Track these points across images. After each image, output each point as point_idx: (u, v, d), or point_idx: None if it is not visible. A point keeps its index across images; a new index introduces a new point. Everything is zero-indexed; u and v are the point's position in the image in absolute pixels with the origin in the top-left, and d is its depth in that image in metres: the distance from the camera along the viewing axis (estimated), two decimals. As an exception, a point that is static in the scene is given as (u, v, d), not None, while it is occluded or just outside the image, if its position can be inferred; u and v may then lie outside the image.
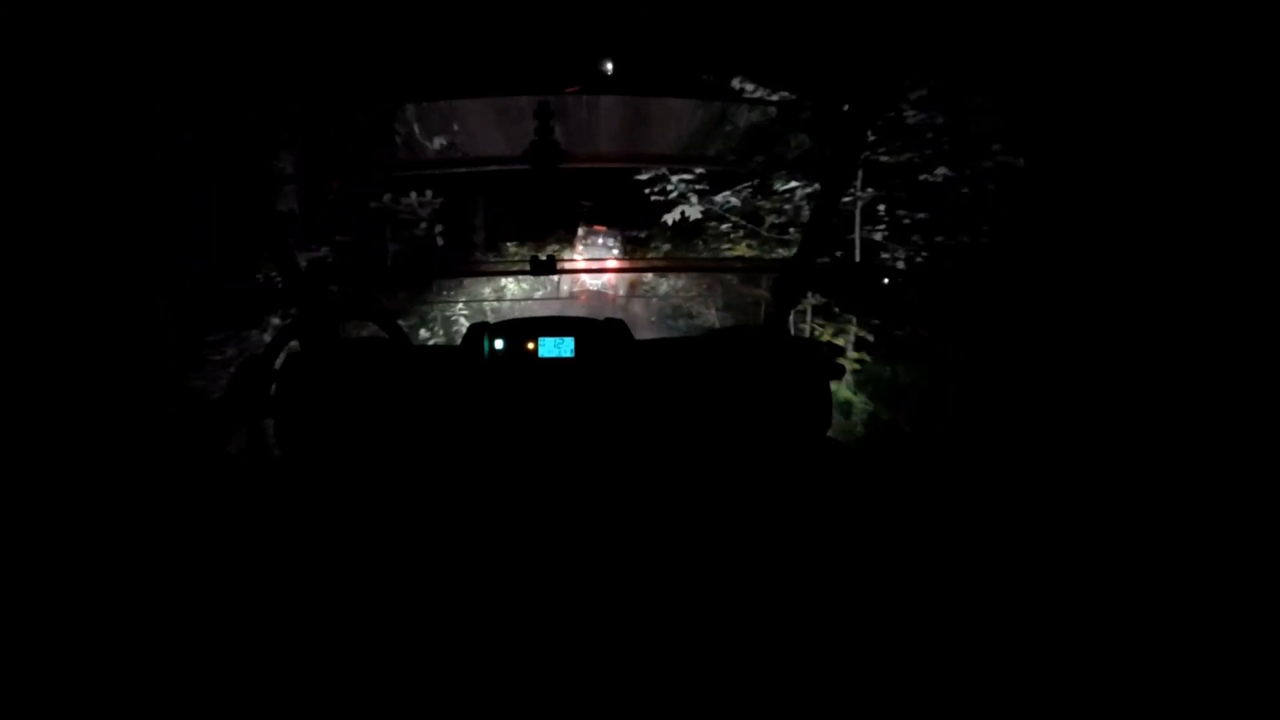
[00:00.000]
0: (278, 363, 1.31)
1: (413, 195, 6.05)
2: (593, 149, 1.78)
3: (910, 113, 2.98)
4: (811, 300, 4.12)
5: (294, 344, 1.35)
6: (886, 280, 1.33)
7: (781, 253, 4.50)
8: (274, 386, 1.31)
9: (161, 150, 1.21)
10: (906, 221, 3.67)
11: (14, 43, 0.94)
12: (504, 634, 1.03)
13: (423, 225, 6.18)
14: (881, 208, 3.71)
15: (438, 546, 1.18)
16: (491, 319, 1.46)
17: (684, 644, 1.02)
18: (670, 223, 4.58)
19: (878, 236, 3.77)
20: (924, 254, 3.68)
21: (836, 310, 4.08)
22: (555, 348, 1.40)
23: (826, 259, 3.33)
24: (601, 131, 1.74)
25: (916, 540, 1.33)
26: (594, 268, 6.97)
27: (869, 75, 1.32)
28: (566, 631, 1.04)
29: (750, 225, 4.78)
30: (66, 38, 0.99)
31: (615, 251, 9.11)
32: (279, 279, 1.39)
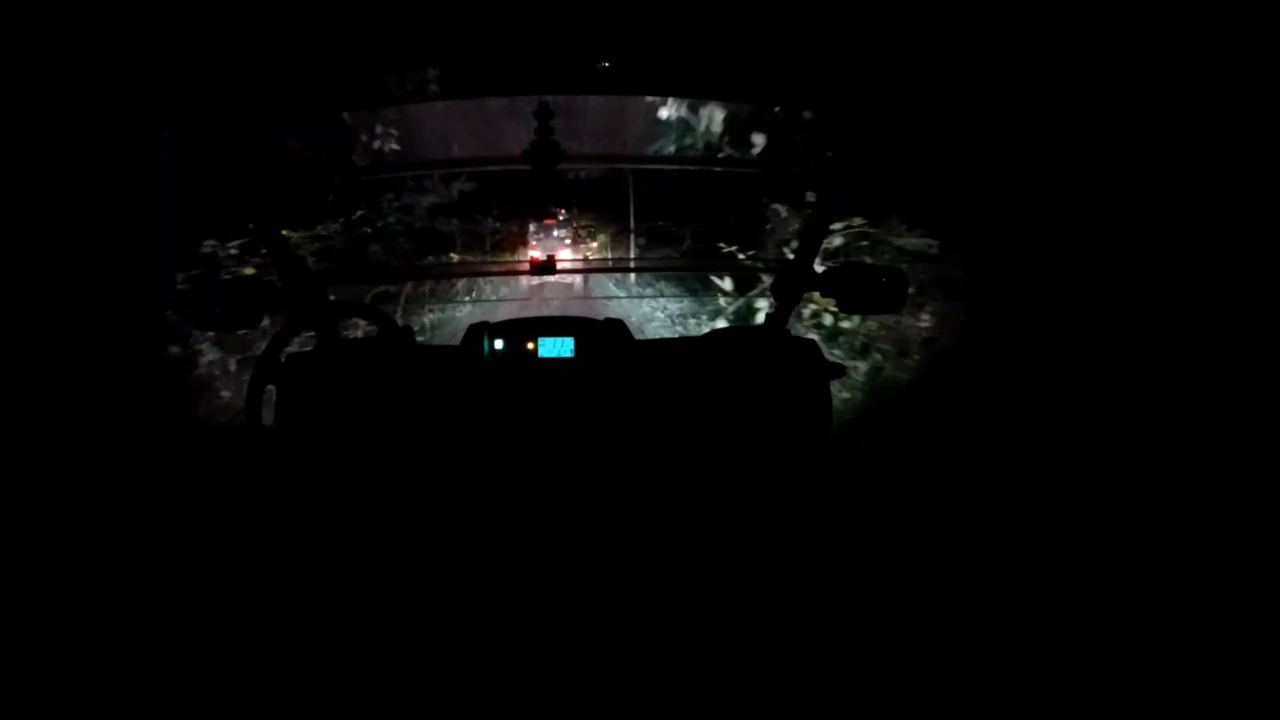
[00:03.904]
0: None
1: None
2: (591, 149, 1.78)
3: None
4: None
5: (293, 345, 1.35)
6: (885, 279, 1.33)
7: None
8: (275, 388, 1.31)
9: (161, 150, 1.20)
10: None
11: (14, 42, 0.94)
12: (504, 634, 1.03)
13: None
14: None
15: (438, 547, 1.18)
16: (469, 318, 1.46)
17: (686, 643, 1.02)
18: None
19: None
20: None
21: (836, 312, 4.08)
22: (555, 348, 1.40)
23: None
24: (600, 131, 1.74)
25: (919, 540, 1.33)
26: (593, 268, 6.97)
27: (869, 77, 1.32)
28: (567, 631, 1.04)
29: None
30: (66, 37, 0.98)
31: (568, 243, 9.13)
32: (279, 279, 1.39)
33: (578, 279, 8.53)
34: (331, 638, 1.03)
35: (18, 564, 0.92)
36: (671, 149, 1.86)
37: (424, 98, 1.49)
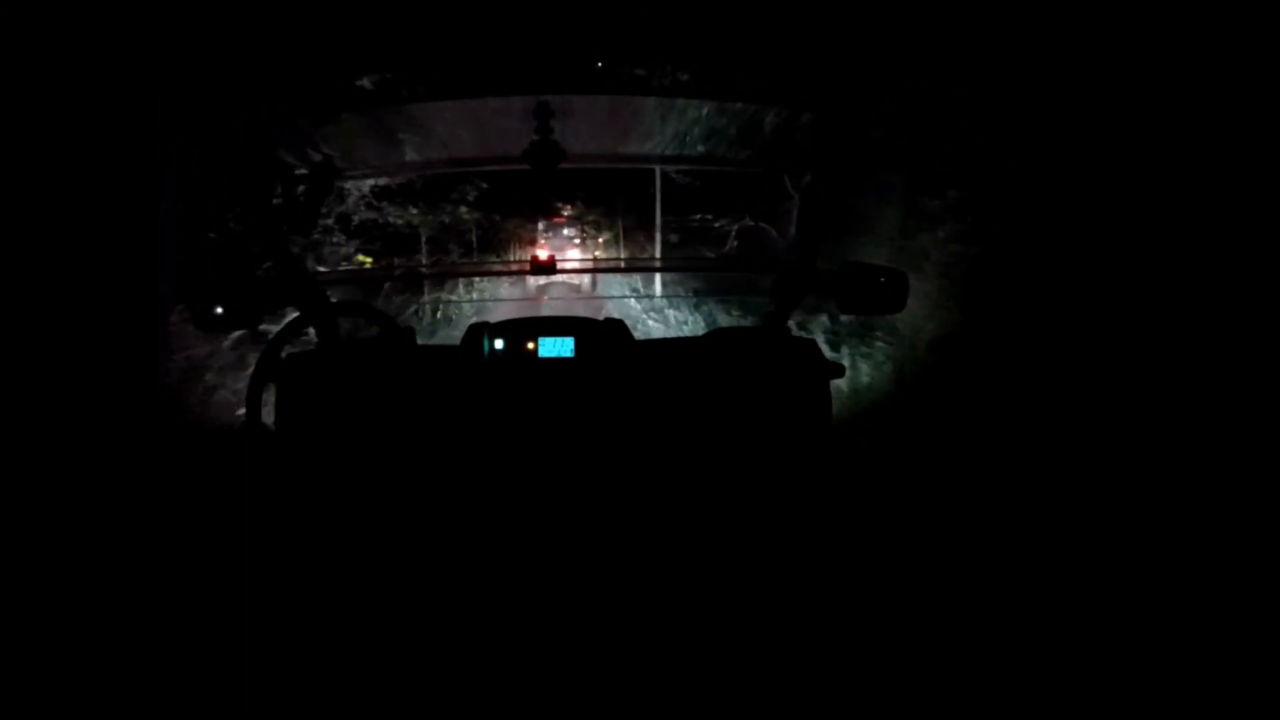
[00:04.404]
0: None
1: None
2: (591, 149, 1.78)
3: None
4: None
5: (293, 345, 1.35)
6: (883, 279, 1.33)
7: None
8: (275, 388, 1.31)
9: (161, 151, 1.20)
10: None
11: (14, 44, 0.94)
12: (504, 633, 1.03)
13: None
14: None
15: (438, 547, 1.18)
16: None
17: (686, 643, 1.02)
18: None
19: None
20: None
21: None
22: (555, 347, 1.40)
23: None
24: (599, 131, 1.74)
25: (919, 540, 1.33)
26: (591, 268, 6.96)
27: (870, 78, 1.32)
28: (567, 630, 1.04)
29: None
30: (67, 40, 0.98)
31: (576, 242, 9.12)
32: (278, 279, 1.39)
33: (587, 280, 8.52)
34: (331, 637, 1.03)
35: (18, 563, 0.92)
36: (672, 149, 1.85)
37: (425, 98, 1.49)
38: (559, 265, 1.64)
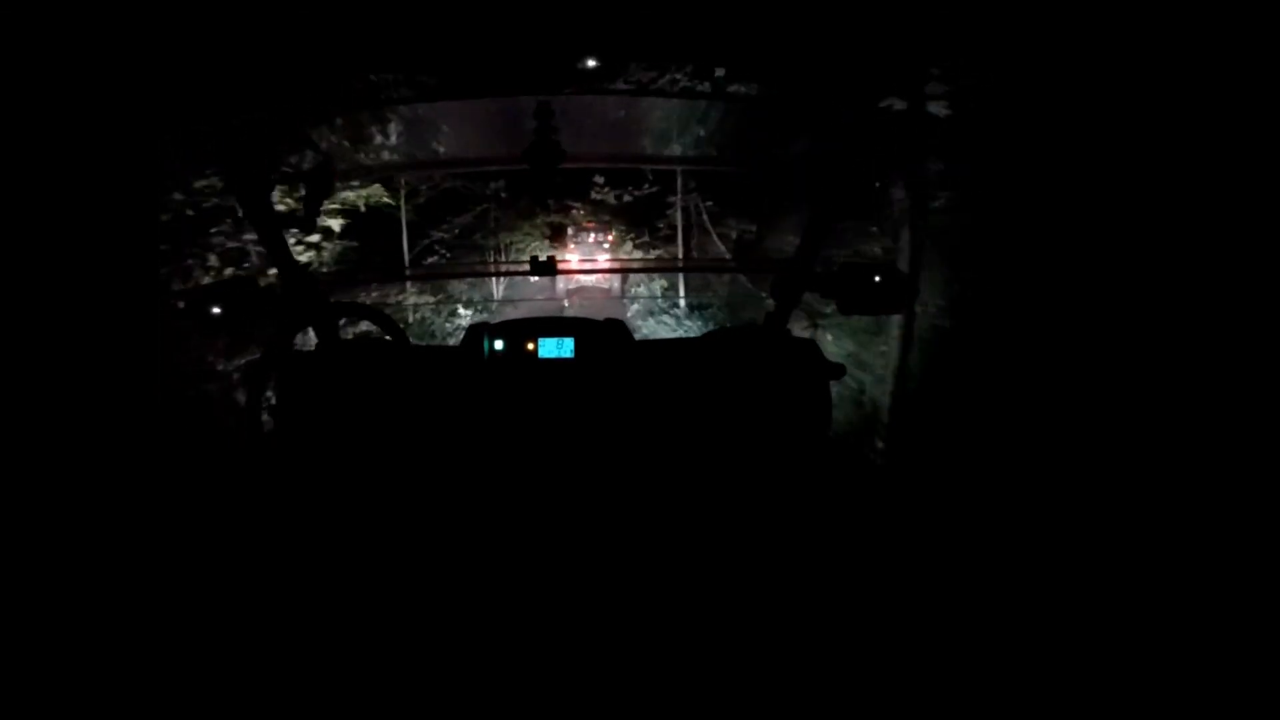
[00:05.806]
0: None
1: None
2: (592, 149, 1.78)
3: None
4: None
5: (293, 345, 1.35)
6: (885, 279, 1.33)
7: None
8: (274, 387, 1.31)
9: (159, 154, 1.20)
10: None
11: (13, 47, 0.94)
12: (503, 634, 1.03)
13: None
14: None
15: (438, 547, 1.18)
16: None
17: (684, 646, 1.02)
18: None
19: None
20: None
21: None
22: (555, 348, 1.40)
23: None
24: (601, 131, 1.74)
25: (919, 540, 1.33)
26: (592, 268, 6.96)
27: (870, 77, 1.32)
28: (566, 631, 1.04)
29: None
30: (66, 43, 0.98)
31: (606, 247, 9.05)
32: (277, 280, 1.39)
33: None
34: (331, 638, 1.03)
35: (18, 564, 0.92)
36: (672, 148, 1.86)
37: (424, 98, 1.49)
38: (559, 266, 1.64)
